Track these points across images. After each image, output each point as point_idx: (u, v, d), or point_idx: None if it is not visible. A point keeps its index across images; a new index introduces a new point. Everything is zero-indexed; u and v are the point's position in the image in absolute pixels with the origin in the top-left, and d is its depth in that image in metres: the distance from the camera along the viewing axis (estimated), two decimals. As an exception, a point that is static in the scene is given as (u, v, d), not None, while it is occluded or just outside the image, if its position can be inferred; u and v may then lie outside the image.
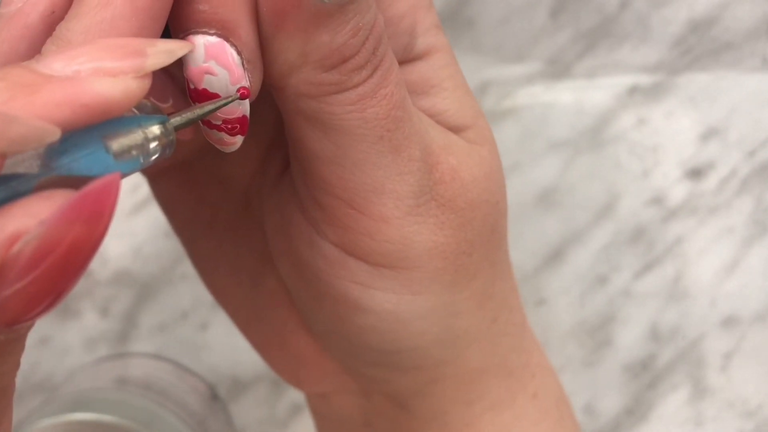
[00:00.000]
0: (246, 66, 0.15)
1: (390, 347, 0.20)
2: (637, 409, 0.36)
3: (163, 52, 0.14)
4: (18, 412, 0.35)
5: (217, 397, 0.35)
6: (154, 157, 0.14)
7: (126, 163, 0.13)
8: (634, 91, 0.36)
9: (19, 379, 0.37)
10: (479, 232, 0.20)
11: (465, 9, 0.36)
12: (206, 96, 0.15)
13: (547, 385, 0.24)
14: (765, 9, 0.36)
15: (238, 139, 0.16)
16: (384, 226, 0.18)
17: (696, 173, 0.37)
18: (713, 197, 0.36)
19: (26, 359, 0.37)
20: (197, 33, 0.15)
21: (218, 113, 0.16)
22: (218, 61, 0.15)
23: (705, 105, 0.36)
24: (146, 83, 0.13)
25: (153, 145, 0.14)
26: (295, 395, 0.35)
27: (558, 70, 0.36)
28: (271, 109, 0.20)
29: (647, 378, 0.36)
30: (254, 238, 0.22)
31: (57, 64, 0.13)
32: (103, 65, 0.13)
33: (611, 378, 0.36)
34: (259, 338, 0.24)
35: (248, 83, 0.16)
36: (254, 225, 0.22)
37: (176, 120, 0.15)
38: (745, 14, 0.36)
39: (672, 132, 0.37)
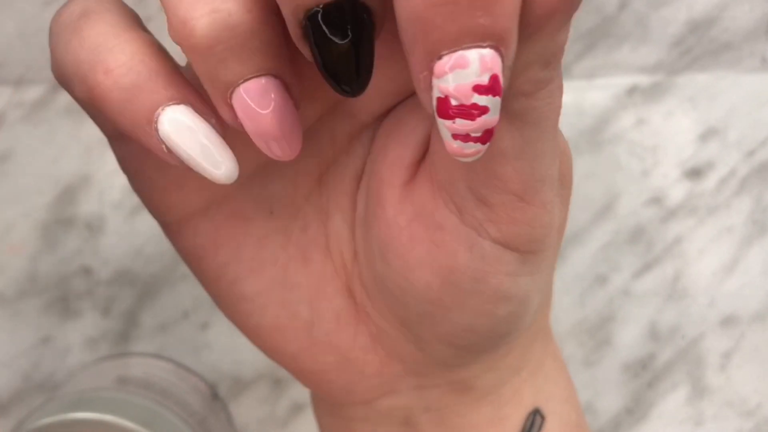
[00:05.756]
0: (504, 73, 0.15)
1: (511, 329, 0.21)
2: (636, 408, 0.36)
3: None
4: (19, 412, 0.35)
5: (217, 396, 0.35)
6: None
7: None
8: (633, 91, 0.36)
9: (20, 378, 0.37)
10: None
11: (465, 9, 0.36)
12: (477, 110, 0.15)
13: (555, 343, 0.25)
14: (764, 9, 0.36)
15: (483, 148, 0.16)
16: (542, 213, 0.18)
17: (695, 173, 0.37)
18: (712, 197, 0.36)
19: (27, 359, 0.37)
20: (471, 47, 0.14)
21: (473, 123, 0.15)
22: (491, 72, 0.14)
23: (704, 105, 0.37)
24: None
25: None
26: (295, 395, 0.35)
27: (557, 70, 0.36)
28: (329, 128, 0.20)
29: (647, 377, 0.36)
30: (312, 260, 0.22)
31: None
32: None
33: (611, 377, 0.36)
34: (315, 367, 0.22)
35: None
36: (312, 245, 0.22)
37: None
38: (744, 15, 0.36)
39: (671, 132, 0.37)
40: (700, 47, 0.36)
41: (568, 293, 0.36)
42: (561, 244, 0.21)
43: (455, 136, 0.15)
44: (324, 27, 0.15)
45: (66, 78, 0.18)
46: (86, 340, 0.35)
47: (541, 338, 0.23)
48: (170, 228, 0.21)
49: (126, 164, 0.20)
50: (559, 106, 0.17)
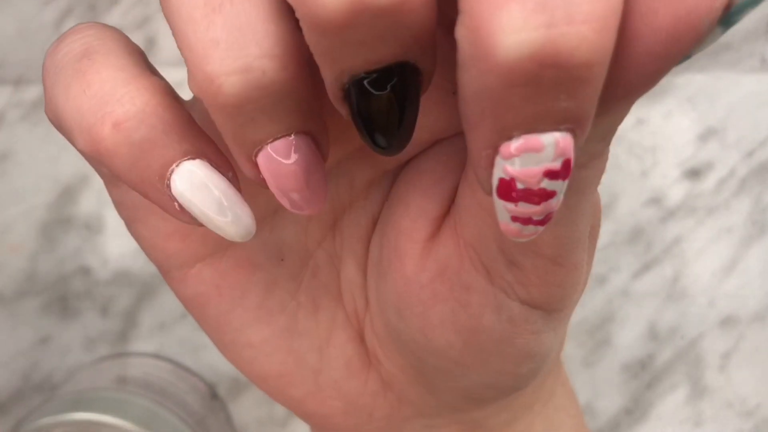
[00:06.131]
0: (574, 154, 0.13)
1: (529, 382, 0.20)
2: (636, 408, 0.36)
3: None
4: (18, 412, 0.35)
5: (216, 396, 0.35)
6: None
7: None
8: (632, 91, 0.36)
9: (19, 378, 0.37)
10: None
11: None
12: (543, 196, 0.13)
13: (564, 368, 0.24)
14: (764, 10, 0.36)
15: (541, 230, 0.14)
16: (573, 273, 0.18)
17: (694, 173, 0.37)
18: (712, 197, 0.36)
19: (26, 359, 0.37)
20: (546, 131, 0.13)
21: (534, 205, 0.14)
22: (565, 157, 0.13)
23: (704, 105, 0.37)
24: None
25: None
26: (294, 395, 0.35)
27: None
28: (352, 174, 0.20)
29: (646, 378, 0.36)
30: (323, 307, 0.21)
31: None
32: None
33: (610, 378, 0.36)
34: (322, 411, 0.22)
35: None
36: (323, 292, 0.21)
37: None
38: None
39: (671, 132, 0.37)
40: (700, 47, 0.36)
41: (568, 293, 0.36)
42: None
43: (515, 219, 0.14)
44: (370, 90, 0.14)
45: (65, 127, 0.16)
46: (85, 339, 0.35)
47: (554, 371, 0.23)
48: (171, 274, 0.20)
49: (125, 211, 0.19)
50: (603, 169, 0.16)
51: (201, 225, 0.16)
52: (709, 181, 0.36)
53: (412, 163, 0.19)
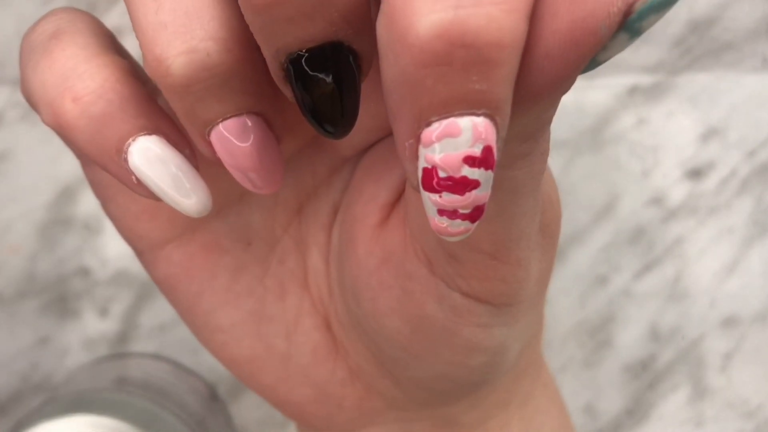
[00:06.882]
0: (497, 145, 0.13)
1: (486, 378, 0.20)
2: (637, 409, 0.36)
3: None
4: (18, 412, 0.35)
5: (216, 397, 0.35)
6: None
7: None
8: (634, 91, 0.36)
9: (19, 379, 0.37)
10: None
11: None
12: (464, 184, 0.13)
13: (548, 371, 0.24)
14: (765, 9, 0.36)
15: (472, 227, 0.14)
16: (516, 269, 0.18)
17: (696, 173, 0.36)
18: (713, 197, 0.36)
19: (26, 359, 0.37)
20: (463, 115, 0.13)
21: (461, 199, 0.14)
22: (485, 143, 0.13)
23: (705, 105, 0.36)
24: None
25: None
26: (294, 395, 0.35)
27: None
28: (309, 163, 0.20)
29: (647, 378, 0.36)
30: (290, 293, 0.21)
31: None
32: None
33: (611, 378, 0.36)
34: (293, 398, 0.22)
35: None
36: (290, 278, 0.21)
37: None
38: (745, 14, 0.36)
39: (672, 132, 0.36)
40: (701, 47, 0.36)
41: (568, 294, 0.36)
42: (545, 291, 0.21)
43: (441, 212, 0.14)
44: (307, 71, 0.14)
45: (33, 101, 0.17)
46: (85, 340, 0.35)
47: (531, 372, 0.23)
48: (143, 256, 0.21)
49: (98, 190, 0.20)
50: (541, 170, 0.16)
51: (159, 199, 0.17)
52: (711, 181, 0.36)
53: (369, 151, 0.20)
